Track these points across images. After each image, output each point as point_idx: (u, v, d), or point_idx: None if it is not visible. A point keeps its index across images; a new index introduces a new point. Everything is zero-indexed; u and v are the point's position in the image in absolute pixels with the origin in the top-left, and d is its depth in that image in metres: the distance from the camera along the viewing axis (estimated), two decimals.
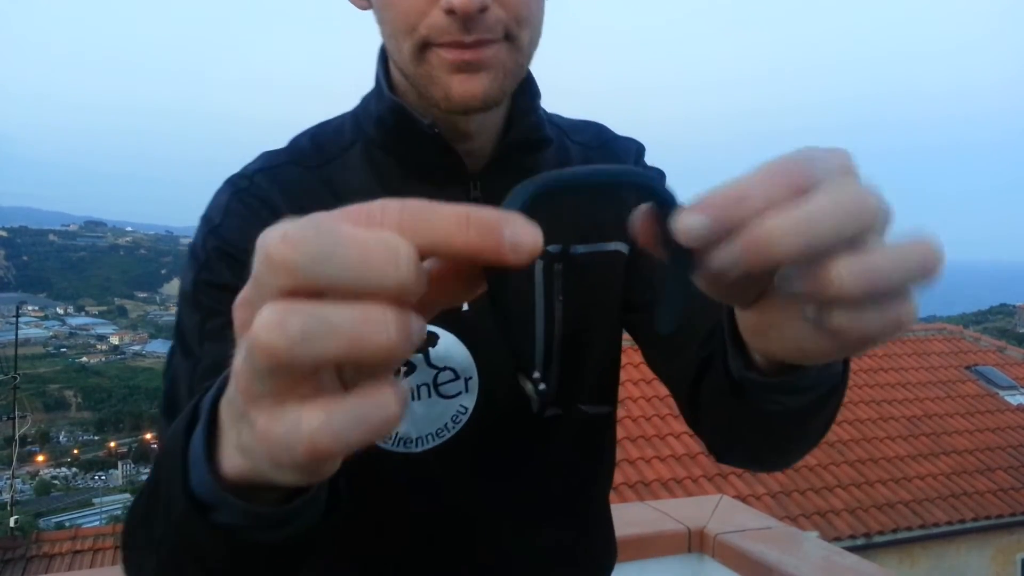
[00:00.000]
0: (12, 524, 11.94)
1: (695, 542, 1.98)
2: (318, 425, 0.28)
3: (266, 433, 0.30)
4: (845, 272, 0.31)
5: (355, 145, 0.76)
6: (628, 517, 2.04)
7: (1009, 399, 10.47)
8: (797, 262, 0.32)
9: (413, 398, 0.69)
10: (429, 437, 0.72)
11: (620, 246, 0.80)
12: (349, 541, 0.72)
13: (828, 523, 7.60)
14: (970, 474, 8.81)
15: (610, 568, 0.91)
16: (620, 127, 0.89)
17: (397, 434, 0.72)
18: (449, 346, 0.72)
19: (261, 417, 0.30)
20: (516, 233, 0.29)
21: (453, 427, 0.73)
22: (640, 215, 0.36)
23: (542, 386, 0.60)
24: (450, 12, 0.61)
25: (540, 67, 0.75)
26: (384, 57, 0.74)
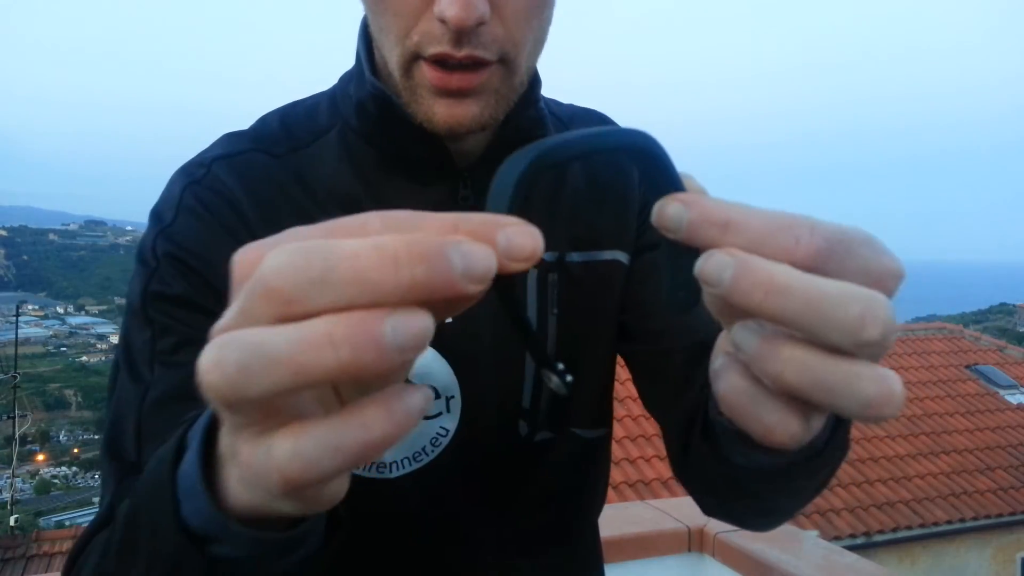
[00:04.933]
0: (12, 523, 11.94)
1: (695, 541, 1.98)
2: (285, 454, 0.27)
3: (248, 463, 0.29)
4: (792, 366, 0.30)
5: (331, 131, 0.68)
6: (628, 516, 2.04)
7: (1009, 398, 10.47)
8: (768, 319, 0.30)
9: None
10: (406, 462, 0.65)
11: (619, 255, 0.74)
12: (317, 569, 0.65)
13: (828, 522, 7.61)
14: (970, 473, 8.82)
15: None
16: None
17: None
18: (428, 362, 0.65)
19: (244, 447, 0.29)
20: (511, 239, 0.27)
21: (432, 450, 0.65)
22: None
23: (569, 377, 0.56)
24: (443, 21, 0.54)
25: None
26: (367, 33, 0.66)
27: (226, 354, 0.25)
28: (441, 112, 0.58)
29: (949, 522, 8.09)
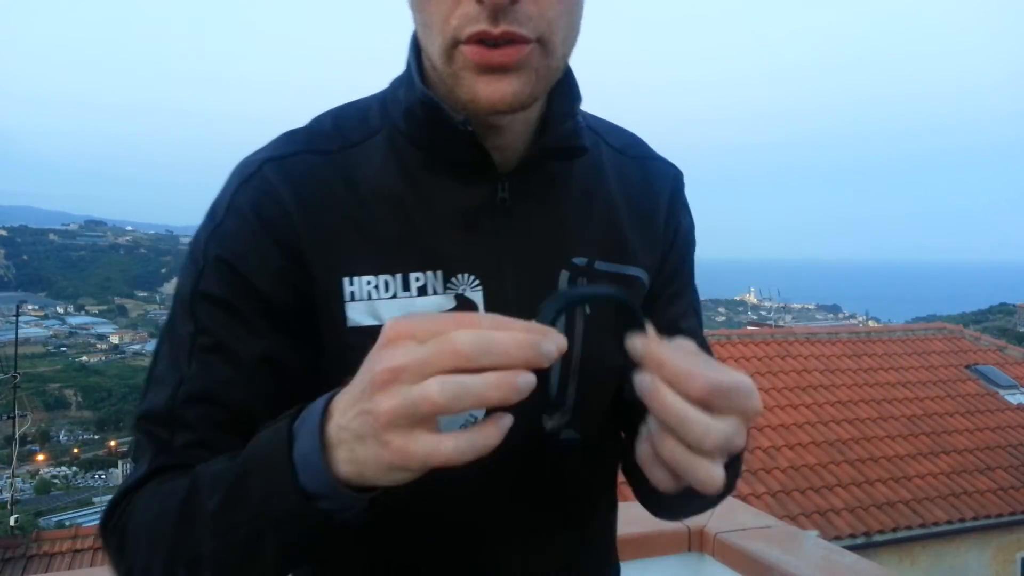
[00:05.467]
0: (12, 523, 11.94)
1: (695, 541, 1.98)
2: (449, 449, 0.48)
3: (403, 450, 0.48)
4: (667, 450, 0.53)
5: (379, 133, 0.72)
6: (628, 516, 2.04)
7: (1009, 398, 10.47)
8: (659, 421, 0.54)
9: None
10: None
11: (639, 272, 0.78)
12: (359, 550, 0.73)
13: (828, 522, 7.61)
14: (970, 473, 8.82)
15: None
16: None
17: None
18: None
19: (397, 439, 0.48)
20: (547, 347, 0.48)
21: None
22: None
23: (562, 423, 0.75)
24: (480, 1, 0.59)
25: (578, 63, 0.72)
26: (416, 43, 0.70)
27: (449, 387, 0.46)
28: (483, 90, 0.62)
29: (949, 522, 8.09)
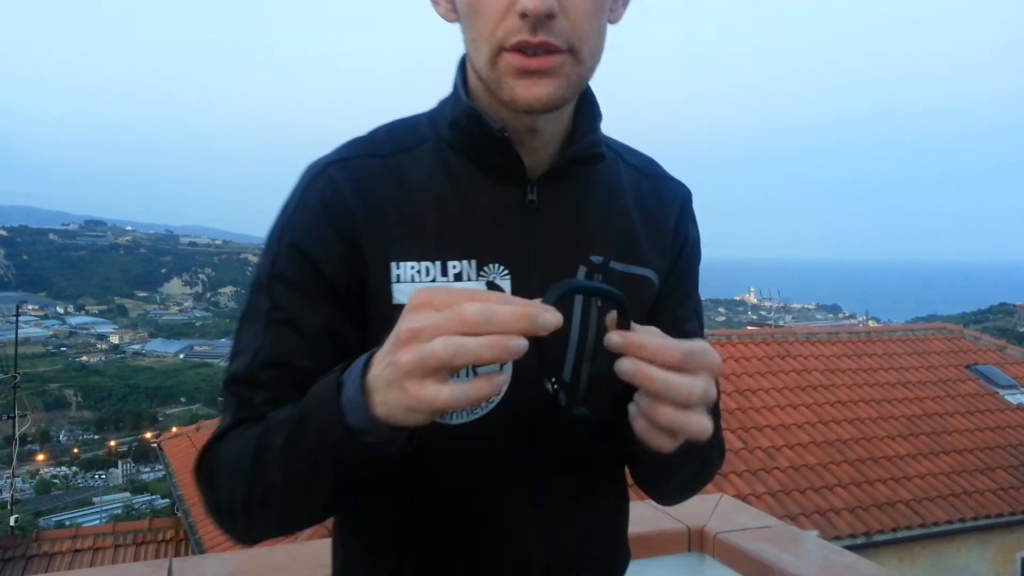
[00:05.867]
0: (12, 523, 11.93)
1: (695, 541, 1.98)
2: (439, 394, 0.59)
3: (416, 395, 0.59)
4: (662, 415, 0.66)
5: (428, 142, 0.84)
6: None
7: (1009, 398, 10.47)
8: (648, 393, 0.67)
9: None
10: (464, 412, 0.80)
11: (650, 273, 0.89)
12: (384, 505, 0.84)
13: (828, 522, 7.61)
14: (970, 473, 8.81)
15: (623, 568, 0.97)
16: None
17: None
18: None
19: (412, 386, 0.59)
20: (544, 318, 0.59)
21: (486, 406, 0.80)
22: (611, 318, 0.69)
23: (559, 392, 0.80)
24: (523, 16, 0.70)
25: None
26: (463, 67, 0.84)
27: (450, 345, 0.57)
28: (522, 91, 0.73)
29: (949, 522, 8.08)
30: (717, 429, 0.87)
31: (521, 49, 0.72)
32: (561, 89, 0.74)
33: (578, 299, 0.84)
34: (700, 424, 0.66)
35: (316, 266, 0.79)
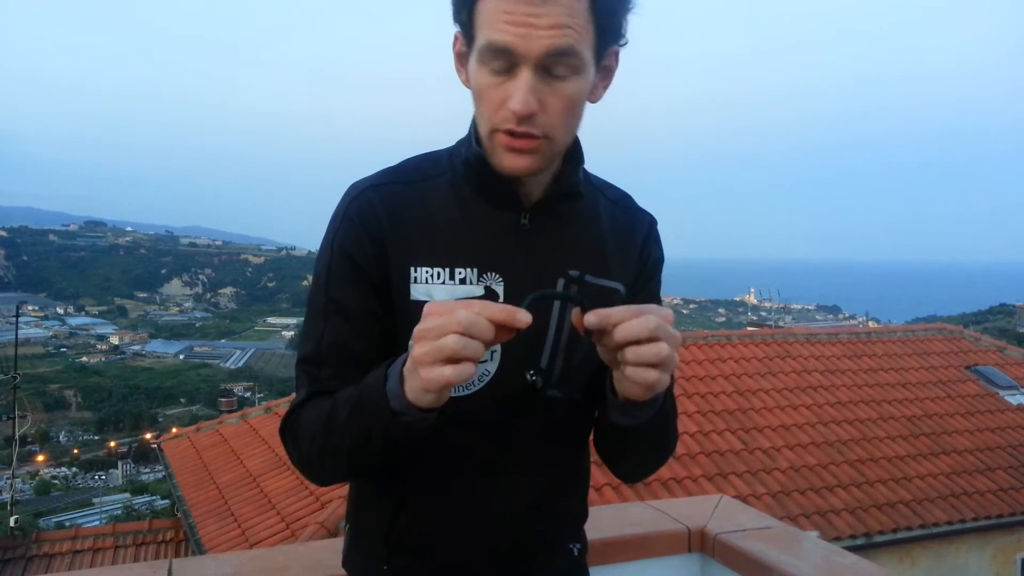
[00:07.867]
0: (12, 524, 11.92)
1: (695, 542, 1.98)
2: (446, 373, 0.80)
3: (426, 377, 0.81)
4: (635, 372, 0.87)
5: (445, 174, 1.06)
6: (628, 517, 2.04)
7: (1009, 399, 10.47)
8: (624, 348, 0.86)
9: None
10: (460, 388, 1.00)
11: (619, 286, 1.09)
12: (407, 472, 1.07)
13: (828, 523, 7.60)
14: (970, 474, 8.81)
15: (582, 520, 1.22)
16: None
17: None
18: None
19: (424, 371, 0.81)
20: (519, 317, 0.82)
21: (477, 384, 1.02)
22: (575, 313, 0.89)
23: (536, 377, 1.05)
24: (513, 112, 0.93)
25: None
26: (474, 120, 1.06)
27: (457, 341, 0.80)
28: (508, 162, 0.97)
29: (949, 523, 8.08)
30: (672, 408, 1.09)
31: (510, 132, 0.94)
32: (537, 163, 0.97)
33: (556, 304, 1.05)
34: (656, 375, 0.86)
35: (358, 265, 1.02)
